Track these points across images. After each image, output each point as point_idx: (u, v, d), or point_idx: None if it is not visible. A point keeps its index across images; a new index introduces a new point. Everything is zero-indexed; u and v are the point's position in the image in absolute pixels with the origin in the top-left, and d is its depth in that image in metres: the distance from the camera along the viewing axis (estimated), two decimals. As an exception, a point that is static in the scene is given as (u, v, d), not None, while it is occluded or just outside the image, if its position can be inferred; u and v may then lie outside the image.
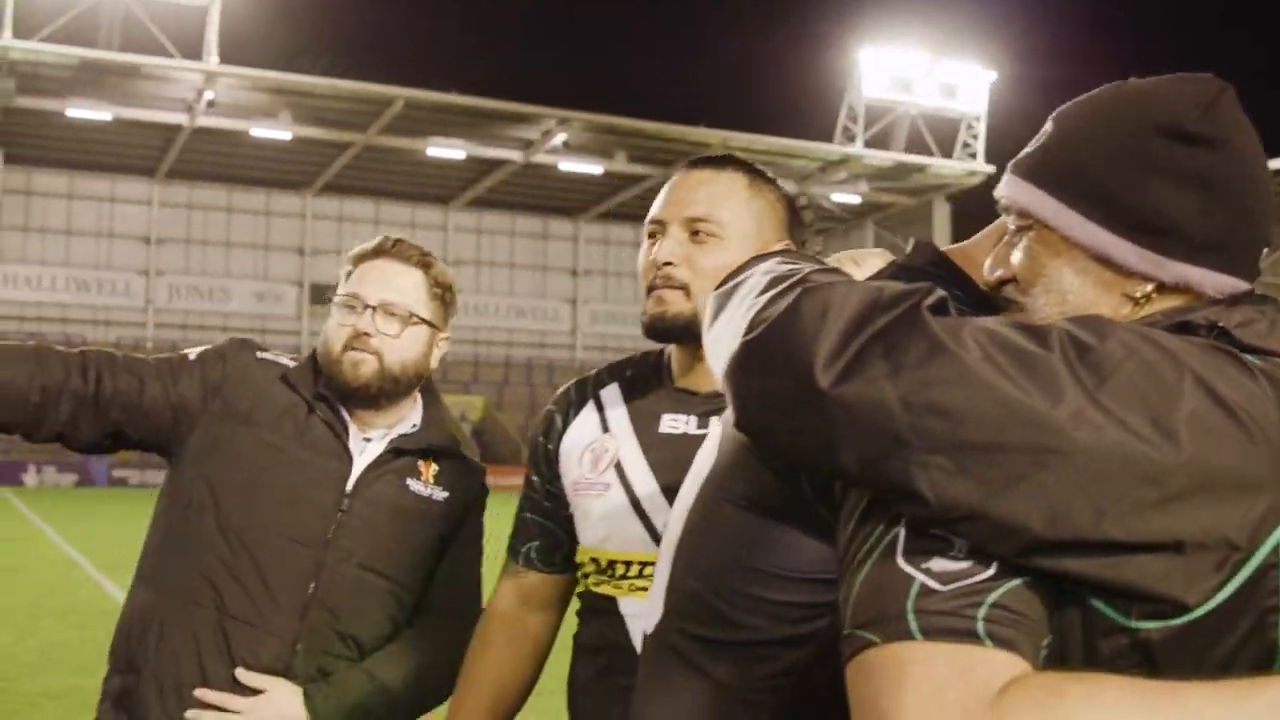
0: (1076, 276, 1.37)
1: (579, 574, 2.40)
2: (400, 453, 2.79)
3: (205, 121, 47.90)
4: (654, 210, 2.32)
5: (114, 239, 56.02)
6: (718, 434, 1.58)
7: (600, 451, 2.31)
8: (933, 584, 1.14)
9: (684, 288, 2.22)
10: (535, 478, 2.50)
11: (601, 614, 2.32)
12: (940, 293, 1.24)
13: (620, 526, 2.26)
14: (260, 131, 49.21)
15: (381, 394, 2.74)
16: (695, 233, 2.25)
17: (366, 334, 2.70)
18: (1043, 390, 1.13)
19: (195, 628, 2.61)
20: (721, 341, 1.36)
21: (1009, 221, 1.44)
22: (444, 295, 2.84)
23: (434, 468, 2.85)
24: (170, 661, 2.63)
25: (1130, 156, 1.33)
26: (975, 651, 1.10)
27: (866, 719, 1.11)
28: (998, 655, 1.10)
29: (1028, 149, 1.43)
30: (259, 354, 2.84)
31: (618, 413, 2.35)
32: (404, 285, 2.77)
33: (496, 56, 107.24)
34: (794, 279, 1.32)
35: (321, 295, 58.01)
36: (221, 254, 58.25)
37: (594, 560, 2.31)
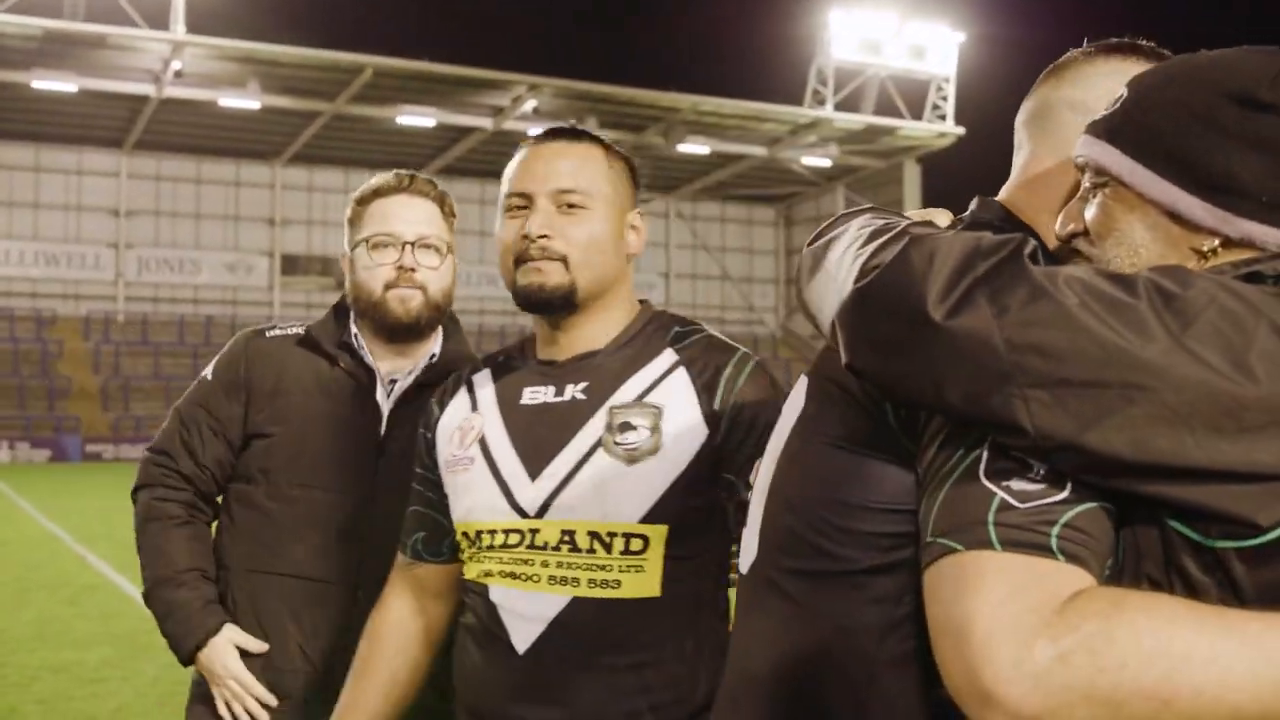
0: (1148, 231, 1.46)
1: (461, 558, 2.40)
2: (423, 386, 2.74)
3: (173, 92, 47.65)
4: (516, 184, 2.32)
5: (82, 212, 55.71)
6: (805, 383, 1.66)
7: (467, 429, 2.36)
8: (1012, 500, 1.26)
9: (563, 259, 2.26)
10: (419, 469, 2.50)
11: (476, 604, 2.32)
12: (1033, 243, 1.35)
13: (484, 497, 2.28)
14: (228, 101, 48.98)
15: (429, 326, 2.83)
16: (566, 205, 2.28)
17: (411, 269, 2.75)
18: (1134, 333, 1.24)
19: (258, 592, 2.77)
20: (827, 291, 1.48)
21: (1084, 179, 1.53)
22: (453, 222, 2.93)
23: None
24: (249, 627, 2.78)
25: (1204, 121, 1.42)
26: (1048, 564, 1.21)
27: (944, 618, 1.23)
28: (1067, 569, 1.21)
29: (1104, 112, 1.51)
30: (268, 334, 2.93)
31: (485, 392, 2.40)
32: (430, 217, 2.83)
33: (466, 23, 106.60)
34: (896, 230, 1.44)
35: (293, 266, 57.93)
36: (191, 226, 58.00)
37: (464, 534, 2.33)
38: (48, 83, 46.30)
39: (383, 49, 47.56)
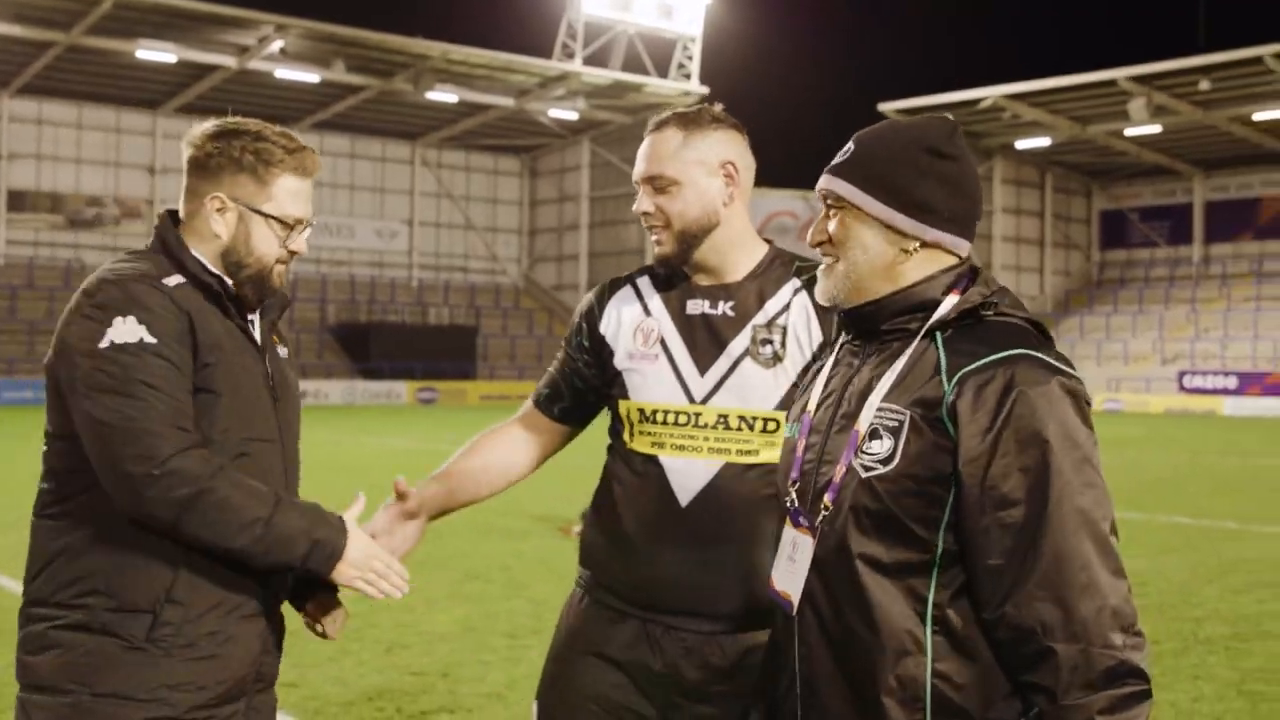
0: (873, 238, 2.29)
1: (621, 430, 3.09)
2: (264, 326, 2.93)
3: (-108, 14, 45.08)
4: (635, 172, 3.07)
5: None
6: None
7: (648, 330, 3.05)
8: None
9: (666, 226, 3.00)
10: (573, 349, 3.21)
11: (640, 470, 3.02)
12: None
13: (664, 385, 3.00)
14: (-47, 27, 46.58)
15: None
16: (659, 190, 3.01)
17: (296, 251, 2.87)
18: None
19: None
20: None
21: (824, 203, 2.35)
22: None
23: (275, 331, 3.02)
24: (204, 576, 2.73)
25: (909, 164, 2.28)
26: None
27: None
28: None
29: (837, 160, 2.35)
30: (165, 282, 2.73)
31: (654, 301, 3.09)
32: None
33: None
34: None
35: (20, 202, 55.44)
36: (-91, 156, 54.97)
37: (640, 410, 3.02)
38: None
39: (122, -20, 45.72)
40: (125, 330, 2.59)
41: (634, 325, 3.08)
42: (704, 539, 2.90)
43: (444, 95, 57.37)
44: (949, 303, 2.24)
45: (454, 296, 65.30)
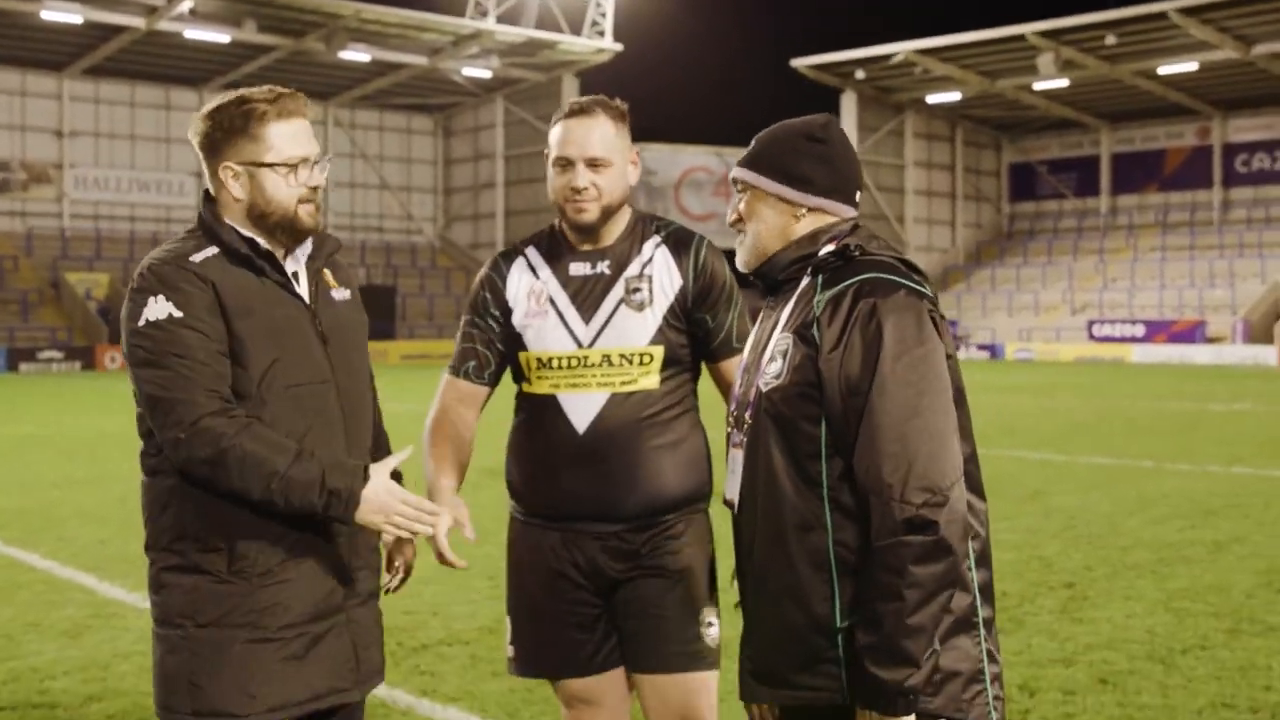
0: (770, 210, 2.83)
1: (522, 378, 3.62)
2: (310, 273, 3.18)
3: None
4: (560, 150, 3.51)
5: None
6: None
7: (538, 292, 3.59)
8: None
9: (597, 199, 3.51)
10: (482, 316, 3.64)
11: (541, 408, 3.58)
12: None
13: (555, 336, 3.55)
14: None
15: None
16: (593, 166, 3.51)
17: (316, 186, 3.12)
18: None
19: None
20: None
21: (734, 190, 2.88)
22: None
23: (328, 272, 3.26)
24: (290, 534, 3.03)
25: (793, 150, 2.82)
26: None
27: None
28: None
29: (745, 154, 2.88)
30: (193, 259, 2.99)
31: (543, 268, 3.62)
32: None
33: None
34: None
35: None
36: None
37: (537, 359, 3.56)
38: None
39: (25, -61, 44.87)
40: (157, 308, 2.92)
41: (527, 290, 3.62)
42: (600, 457, 3.50)
43: (357, 55, 56.92)
44: (825, 249, 2.77)
45: (370, 257, 64.92)
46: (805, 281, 2.76)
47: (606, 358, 3.51)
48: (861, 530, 2.58)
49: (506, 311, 3.62)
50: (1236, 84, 60.53)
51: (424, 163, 69.25)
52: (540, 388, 3.58)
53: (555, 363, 3.54)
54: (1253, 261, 60.53)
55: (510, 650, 3.69)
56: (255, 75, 57.42)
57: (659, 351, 3.52)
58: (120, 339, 3.05)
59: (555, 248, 3.64)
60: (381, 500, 2.93)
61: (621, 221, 3.61)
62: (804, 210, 2.81)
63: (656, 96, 68.97)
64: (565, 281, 3.58)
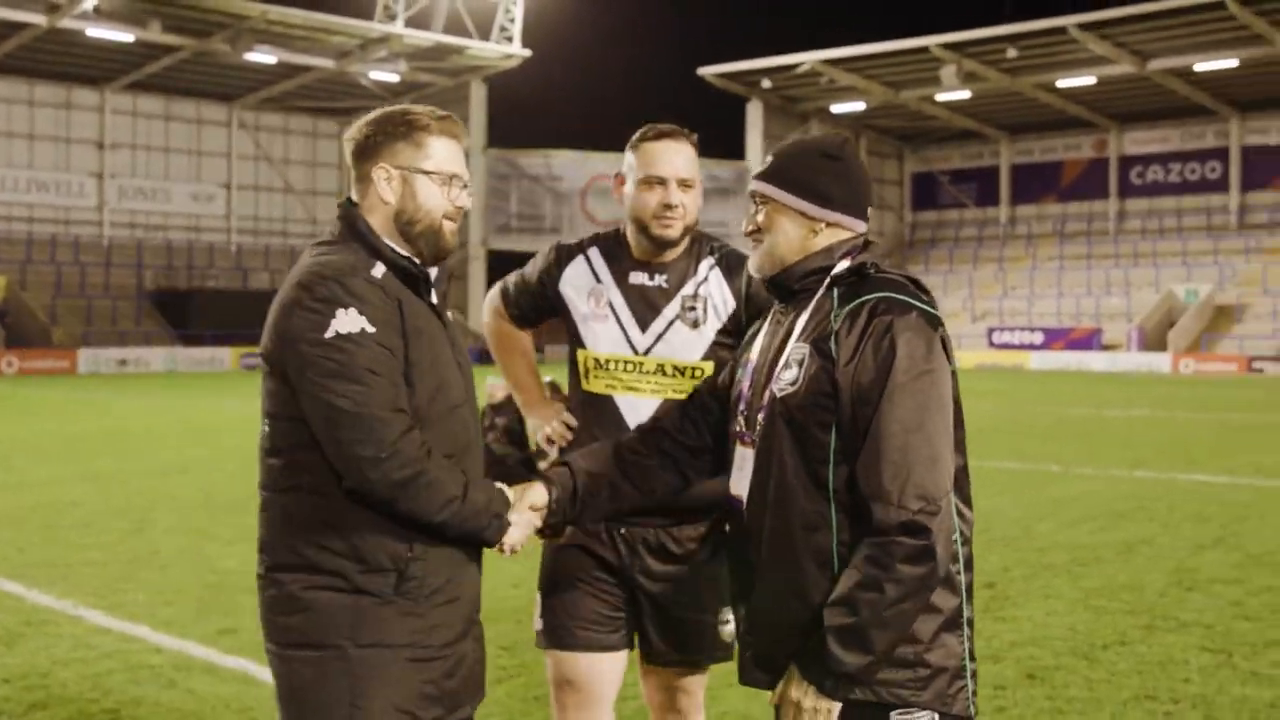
0: (790, 223, 2.97)
1: (579, 376, 3.88)
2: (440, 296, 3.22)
3: None
4: (651, 169, 3.74)
5: None
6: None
7: (599, 295, 3.86)
8: None
9: (683, 217, 3.76)
10: (536, 283, 3.99)
11: (598, 407, 3.83)
12: None
13: (613, 340, 3.81)
14: None
15: None
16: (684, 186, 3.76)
17: (461, 207, 3.14)
18: None
19: None
20: None
21: (754, 201, 3.02)
22: None
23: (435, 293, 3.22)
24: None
25: (813, 167, 2.98)
26: None
27: None
28: None
29: (761, 169, 3.03)
30: (374, 274, 2.98)
31: (603, 270, 3.88)
32: None
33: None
34: None
35: None
36: None
37: (595, 360, 3.83)
38: None
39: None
40: (348, 321, 2.85)
41: (588, 290, 3.88)
42: None
43: (262, 56, 56.36)
44: (842, 265, 2.92)
45: (275, 260, 64.24)
46: (820, 293, 2.92)
47: (661, 367, 3.77)
48: (863, 533, 2.73)
49: (555, 292, 3.94)
50: (1133, 98, 62.11)
51: (329, 166, 68.60)
52: (596, 387, 3.84)
53: (613, 365, 3.81)
54: (1147, 271, 62.04)
55: (538, 624, 3.88)
56: (159, 75, 56.75)
57: (709, 367, 3.73)
58: (276, 348, 2.95)
59: (618, 255, 3.87)
60: (527, 518, 3.14)
61: (685, 241, 3.84)
62: (822, 225, 2.96)
63: (564, 103, 69.02)
64: (626, 290, 3.82)
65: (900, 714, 2.74)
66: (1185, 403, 30.36)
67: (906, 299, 2.83)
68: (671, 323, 3.78)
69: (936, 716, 2.76)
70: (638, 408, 3.76)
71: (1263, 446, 18.99)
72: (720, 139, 66.33)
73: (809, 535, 2.81)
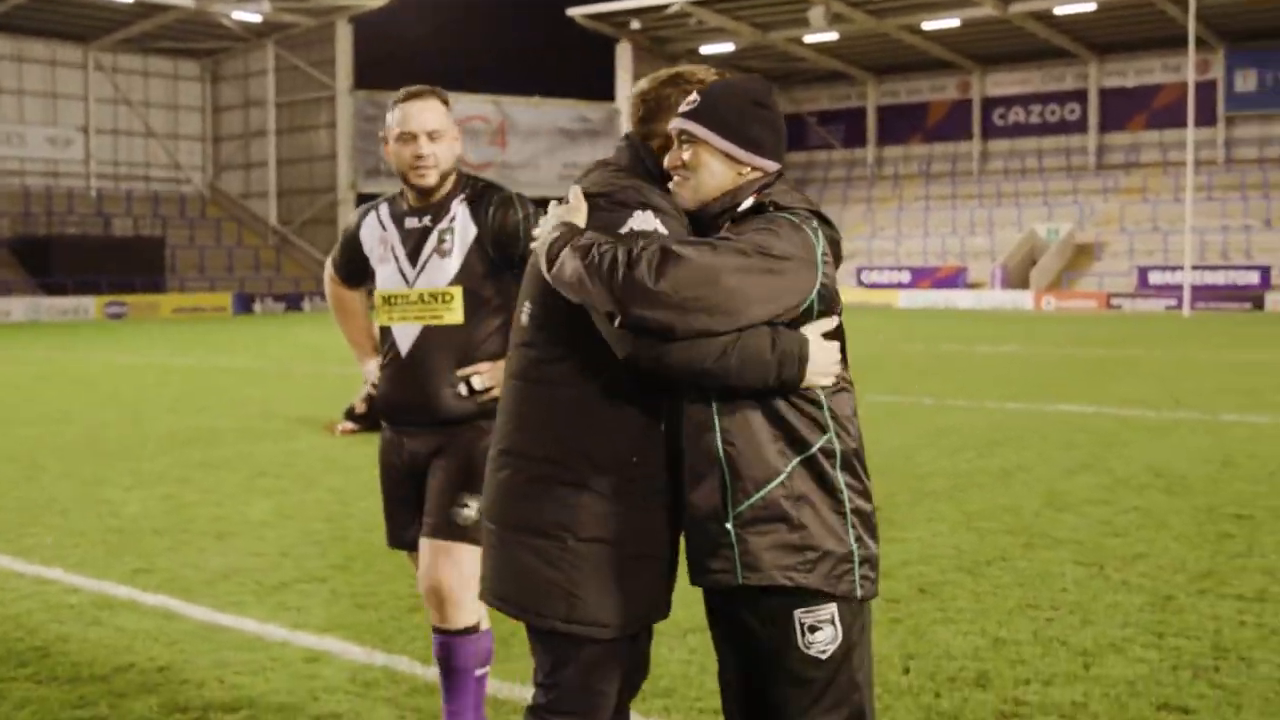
0: (718, 164, 3.13)
1: (376, 314, 4.47)
2: None
3: None
4: (404, 125, 4.32)
5: None
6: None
7: (386, 240, 4.44)
8: None
9: (435, 166, 4.33)
10: (347, 243, 4.63)
11: (386, 339, 4.43)
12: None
13: (391, 277, 4.40)
14: None
15: None
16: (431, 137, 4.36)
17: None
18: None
19: None
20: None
21: (679, 140, 3.16)
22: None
23: None
24: None
25: (741, 111, 3.14)
26: None
27: None
28: None
29: (688, 107, 3.14)
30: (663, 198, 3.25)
31: (388, 220, 4.47)
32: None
33: None
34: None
35: None
36: None
37: (383, 297, 4.43)
38: None
39: None
40: (643, 220, 3.11)
41: (378, 238, 4.49)
42: (417, 375, 4.32)
43: (120, -5, 54.91)
44: (748, 201, 3.14)
45: (137, 207, 62.90)
46: (728, 227, 3.12)
47: (421, 296, 4.32)
48: (747, 433, 2.99)
49: (358, 245, 4.57)
50: (995, 40, 63.27)
51: (191, 109, 67.29)
52: (382, 319, 4.44)
53: (393, 300, 4.40)
54: (1010, 210, 63.57)
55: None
56: (8, 14, 55.10)
57: (458, 292, 4.27)
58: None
59: (398, 205, 4.45)
60: (830, 353, 3.03)
61: (448, 184, 4.36)
62: (748, 168, 3.15)
63: (433, 44, 68.02)
64: (404, 234, 4.38)
65: (804, 612, 3.00)
66: (1050, 338, 31.40)
67: (789, 218, 3.05)
68: (430, 256, 4.31)
69: (835, 608, 3.02)
70: (406, 333, 4.35)
71: (1124, 378, 19.86)
72: (589, 80, 66.36)
73: (699, 437, 3.07)
